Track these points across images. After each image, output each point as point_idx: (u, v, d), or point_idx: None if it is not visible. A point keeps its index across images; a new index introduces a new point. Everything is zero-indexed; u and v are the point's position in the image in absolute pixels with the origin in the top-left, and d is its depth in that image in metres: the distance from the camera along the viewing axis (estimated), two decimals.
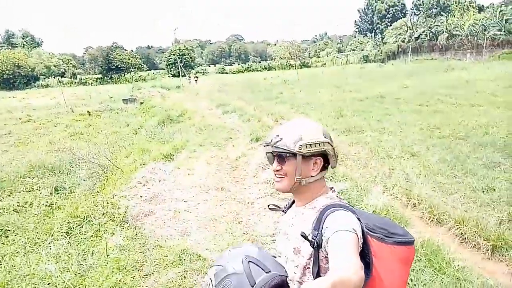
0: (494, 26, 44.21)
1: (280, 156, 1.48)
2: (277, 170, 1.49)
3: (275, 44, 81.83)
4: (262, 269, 1.20)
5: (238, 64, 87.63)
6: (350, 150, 8.12)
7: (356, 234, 1.26)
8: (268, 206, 1.87)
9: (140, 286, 3.73)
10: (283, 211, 1.72)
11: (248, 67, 70.64)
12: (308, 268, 1.44)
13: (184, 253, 4.14)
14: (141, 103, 23.71)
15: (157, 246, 4.50)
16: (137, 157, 8.40)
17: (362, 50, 69.82)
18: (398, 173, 6.38)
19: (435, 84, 18.65)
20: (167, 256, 4.15)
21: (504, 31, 42.85)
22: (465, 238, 4.28)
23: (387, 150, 7.78)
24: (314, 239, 1.36)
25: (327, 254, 1.33)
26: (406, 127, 10.12)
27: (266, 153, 1.56)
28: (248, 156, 7.93)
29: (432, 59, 49.94)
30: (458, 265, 3.43)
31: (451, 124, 9.78)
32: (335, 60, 68.80)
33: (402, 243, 1.36)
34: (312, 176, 1.51)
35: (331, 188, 1.57)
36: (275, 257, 1.39)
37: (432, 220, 4.79)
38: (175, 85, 33.78)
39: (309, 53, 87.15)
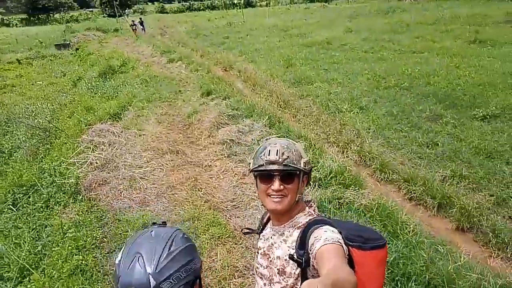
0: None
1: (288, 175, 1.43)
2: (280, 190, 1.42)
3: None
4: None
5: (179, 2, 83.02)
6: (302, 104, 8.19)
7: (342, 246, 1.29)
8: (242, 230, 1.86)
9: (103, 265, 3.66)
10: (257, 233, 1.70)
11: (190, 6, 67.07)
12: None
13: (145, 227, 4.08)
14: (77, 49, 22.00)
15: (116, 220, 4.38)
16: (81, 117, 7.90)
17: None
18: (349, 129, 6.57)
19: (378, 28, 18.92)
20: (127, 231, 4.07)
21: None
22: (414, 197, 4.60)
23: (337, 103, 7.93)
24: (301, 259, 1.36)
25: (316, 272, 1.36)
26: (354, 76, 10.32)
27: (261, 172, 1.46)
28: (200, 113, 7.75)
29: None
30: (412, 229, 3.69)
31: (395, 74, 10.09)
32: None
33: (378, 247, 1.39)
34: (302, 194, 1.52)
35: (308, 203, 1.57)
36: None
37: (383, 179, 5.06)
38: (112, 27, 31.46)
39: None
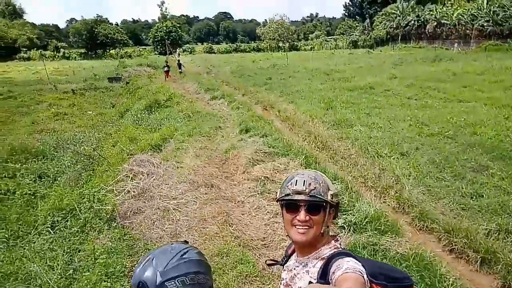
0: (482, 17, 44.25)
1: (314, 206, 1.42)
2: (306, 221, 1.41)
3: (264, 25, 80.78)
4: None
5: (226, 43, 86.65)
6: (340, 146, 8.10)
7: (363, 277, 1.25)
8: (266, 262, 1.85)
9: None
10: (281, 264, 1.68)
11: (236, 47, 69.74)
12: None
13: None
14: (127, 82, 23.24)
15: (146, 249, 4.41)
16: (124, 146, 8.21)
17: (351, 35, 69.53)
18: (388, 174, 6.39)
19: (423, 75, 18.69)
20: None
21: (491, 22, 42.98)
22: (455, 249, 4.32)
23: (377, 148, 7.77)
24: None
25: None
26: (395, 122, 10.13)
27: (287, 201, 1.46)
28: (238, 149, 7.82)
29: (420, 47, 50.06)
30: (451, 283, 3.45)
31: (439, 122, 9.82)
32: (324, 44, 68.44)
33: (404, 287, 1.37)
34: (328, 226, 1.50)
35: (333, 237, 1.54)
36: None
37: (421, 229, 4.82)
38: (162, 64, 33.07)
39: (298, 35, 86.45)
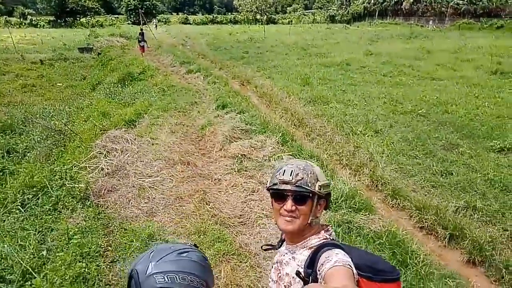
0: None
1: (300, 196, 1.44)
2: (292, 211, 1.43)
3: None
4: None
5: (202, 14, 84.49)
6: (316, 123, 8.15)
7: (352, 270, 1.27)
8: (262, 247, 1.87)
9: (105, 275, 3.63)
10: (277, 249, 1.70)
11: (213, 19, 68.00)
12: None
13: (151, 238, 4.03)
14: (99, 53, 22.43)
15: (122, 229, 4.36)
16: (97, 121, 7.98)
17: (329, 9, 69.00)
18: (362, 152, 6.50)
19: (398, 53, 18.86)
20: (132, 241, 4.02)
21: (466, 1, 43.46)
22: (425, 226, 4.49)
23: (352, 125, 7.87)
24: (308, 277, 1.36)
25: None
26: (370, 99, 10.25)
27: (274, 190, 1.48)
28: (214, 125, 7.75)
29: (396, 23, 50.30)
30: (422, 260, 3.59)
31: (413, 100, 10.00)
32: (301, 18, 67.71)
33: (390, 280, 1.37)
34: (317, 217, 1.52)
35: (324, 227, 1.56)
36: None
37: (394, 206, 4.96)
38: (135, 34, 31.99)
39: (276, 8, 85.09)
